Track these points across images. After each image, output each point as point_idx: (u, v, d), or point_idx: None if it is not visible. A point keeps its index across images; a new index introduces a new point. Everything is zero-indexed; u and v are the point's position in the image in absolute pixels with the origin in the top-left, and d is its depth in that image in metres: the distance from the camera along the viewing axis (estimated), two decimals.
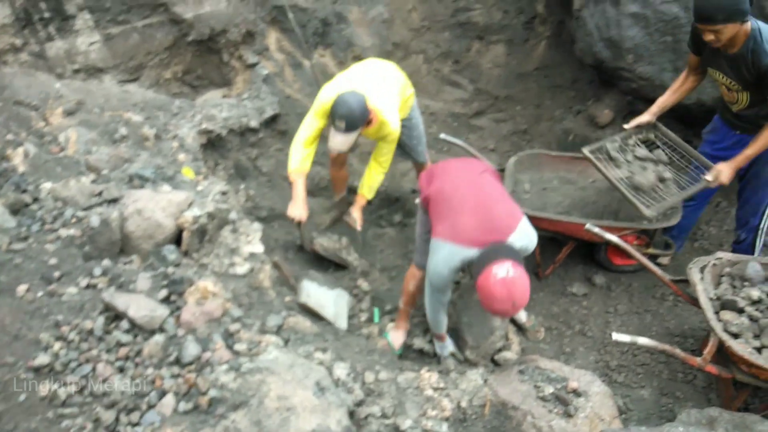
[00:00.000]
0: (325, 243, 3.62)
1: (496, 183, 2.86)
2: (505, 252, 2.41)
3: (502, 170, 3.74)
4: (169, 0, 3.89)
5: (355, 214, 3.56)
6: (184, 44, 4.07)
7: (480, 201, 2.62)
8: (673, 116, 3.91)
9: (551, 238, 3.67)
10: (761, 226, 3.30)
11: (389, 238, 4.06)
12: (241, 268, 2.74)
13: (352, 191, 3.83)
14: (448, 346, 3.18)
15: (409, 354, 3.27)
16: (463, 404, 2.44)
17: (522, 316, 3.45)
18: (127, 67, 3.99)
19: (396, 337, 3.21)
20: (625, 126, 3.35)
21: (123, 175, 2.91)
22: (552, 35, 5.14)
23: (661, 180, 3.22)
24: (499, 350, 3.27)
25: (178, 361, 2.22)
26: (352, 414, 2.26)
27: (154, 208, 2.65)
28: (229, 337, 2.33)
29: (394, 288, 3.67)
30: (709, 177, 2.99)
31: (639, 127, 3.34)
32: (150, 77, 4.09)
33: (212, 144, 3.55)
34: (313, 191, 4.21)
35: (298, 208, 3.34)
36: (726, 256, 2.96)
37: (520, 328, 3.47)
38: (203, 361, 2.21)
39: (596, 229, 3.05)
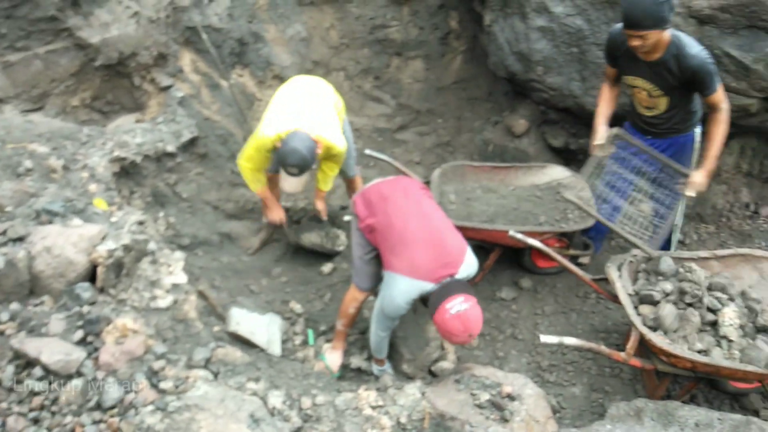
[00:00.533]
0: (312, 238, 3.93)
1: (437, 207, 2.96)
2: (456, 287, 2.57)
3: (428, 182, 3.80)
4: (73, 24, 3.70)
5: (320, 206, 3.82)
6: (92, 69, 3.87)
7: (432, 234, 2.73)
8: (585, 124, 4.12)
9: (479, 246, 3.75)
10: (676, 222, 3.51)
11: (317, 260, 4.02)
12: (164, 301, 2.61)
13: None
14: (387, 369, 3.20)
15: (347, 373, 3.23)
16: (403, 420, 2.42)
17: None
18: (29, 96, 3.75)
19: (333, 359, 3.16)
20: (594, 143, 3.30)
21: (29, 211, 2.72)
22: (467, 50, 5.30)
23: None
24: (436, 361, 3.29)
25: (99, 406, 2.09)
26: None
27: (65, 244, 2.49)
28: (154, 376, 2.22)
29: (327, 308, 3.62)
30: (690, 192, 3.07)
31: (602, 146, 3.33)
32: (56, 105, 3.86)
33: (126, 172, 3.39)
34: (238, 215, 4.11)
35: (277, 213, 3.65)
36: (641, 253, 3.13)
37: None
38: (126, 403, 2.09)
39: (519, 235, 3.15)
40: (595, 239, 3.85)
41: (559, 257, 3.19)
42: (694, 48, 2.89)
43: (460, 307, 2.48)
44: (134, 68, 3.97)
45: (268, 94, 4.83)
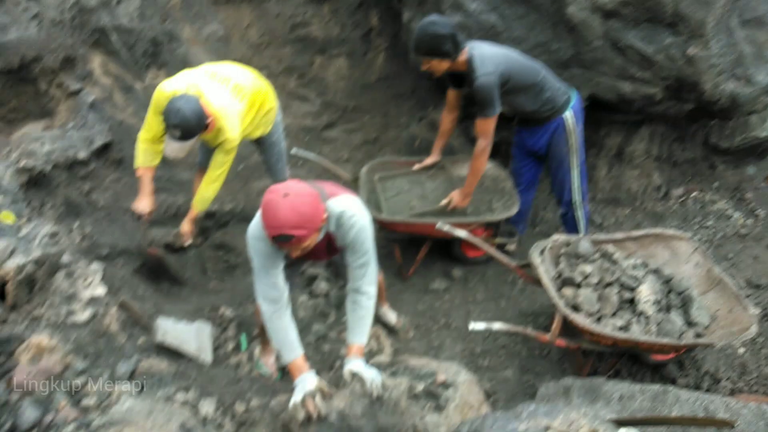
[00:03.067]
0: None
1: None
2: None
3: (356, 179, 3.81)
4: None
5: (184, 227, 3.29)
6: None
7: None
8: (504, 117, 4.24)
9: (410, 239, 3.80)
10: (573, 200, 3.71)
11: (246, 261, 3.93)
12: (82, 315, 2.48)
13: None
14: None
15: (286, 377, 3.18)
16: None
17: (391, 318, 3.52)
18: None
19: (267, 362, 3.10)
20: (415, 167, 3.89)
21: None
22: (389, 47, 5.34)
23: None
24: (373, 355, 3.30)
25: (14, 430, 1.96)
26: None
27: None
28: (75, 394, 2.10)
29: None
30: (444, 201, 3.58)
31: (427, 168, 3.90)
32: None
33: (35, 182, 3.19)
34: (162, 221, 3.95)
35: (142, 202, 3.19)
36: (561, 237, 3.26)
37: (390, 331, 3.53)
38: (45, 424, 1.98)
39: (446, 227, 3.20)
40: (518, 223, 3.98)
41: (486, 246, 3.27)
42: (482, 69, 3.14)
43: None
44: (39, 73, 3.74)
45: None
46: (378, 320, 3.53)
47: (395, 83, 5.33)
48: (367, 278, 2.37)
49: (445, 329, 3.62)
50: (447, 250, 3.99)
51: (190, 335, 2.87)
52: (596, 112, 4.08)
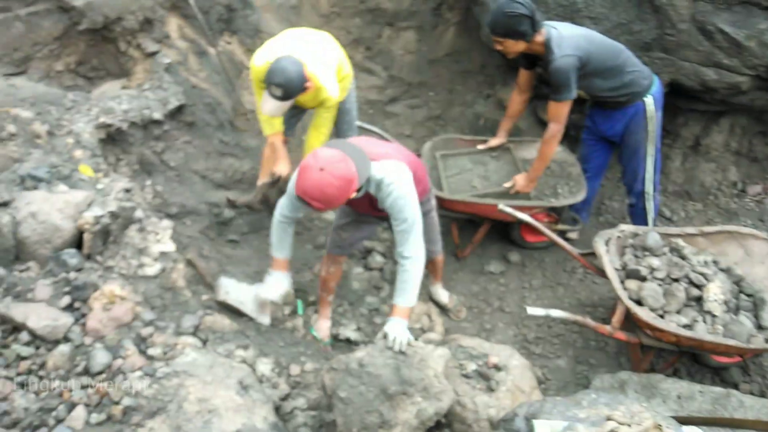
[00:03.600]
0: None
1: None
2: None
3: (419, 155, 3.78)
4: None
5: (280, 167, 3.39)
6: (76, 33, 3.77)
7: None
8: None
9: (468, 219, 3.76)
10: (645, 190, 3.57)
11: (306, 229, 4.00)
12: (152, 269, 2.59)
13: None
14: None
15: (337, 344, 3.24)
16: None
17: (443, 297, 3.52)
18: (11, 59, 3.65)
19: (320, 327, 3.17)
20: (479, 147, 3.81)
21: (13, 177, 2.67)
22: (460, 21, 5.22)
23: None
24: (423, 332, 3.31)
25: (87, 371, 2.09)
26: (278, 409, 2.21)
27: (50, 210, 2.46)
28: (142, 342, 2.21)
29: (316, 279, 3.62)
30: (507, 184, 3.52)
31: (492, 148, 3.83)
32: (39, 70, 3.76)
33: (112, 139, 3.32)
34: (227, 185, 4.06)
35: (284, 164, 3.38)
36: (628, 228, 3.15)
37: (442, 309, 3.53)
38: (114, 369, 2.09)
39: (509, 209, 3.15)
40: (581, 211, 3.87)
41: (548, 232, 3.20)
42: (559, 51, 3.02)
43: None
44: (120, 33, 3.87)
45: None
46: (430, 298, 3.53)
47: (463, 59, 5.23)
48: (408, 244, 2.45)
49: (498, 312, 3.59)
50: (505, 233, 3.92)
51: (249, 296, 2.95)
52: (675, 99, 3.89)
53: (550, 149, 3.31)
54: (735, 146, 4.42)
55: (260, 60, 3.08)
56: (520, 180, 3.47)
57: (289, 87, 2.88)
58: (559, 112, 3.18)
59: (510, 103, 3.68)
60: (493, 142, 3.80)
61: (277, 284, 2.86)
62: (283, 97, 2.92)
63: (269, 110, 3.00)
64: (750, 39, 3.41)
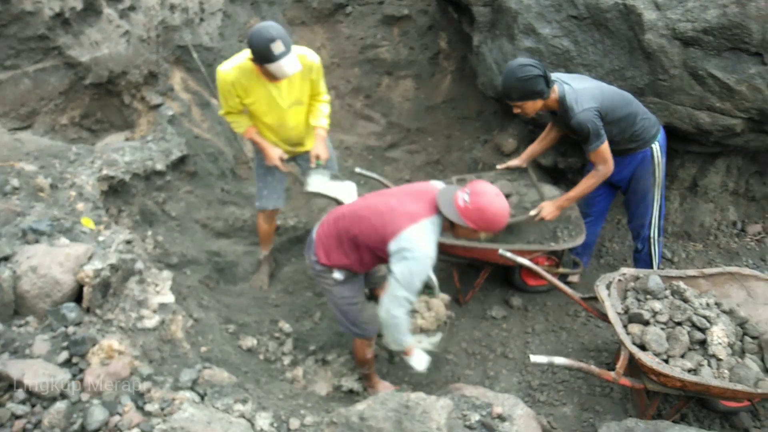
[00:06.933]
0: (317, 184, 3.49)
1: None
2: (450, 189, 2.58)
3: None
4: (63, 43, 3.70)
5: (320, 149, 3.43)
6: (81, 88, 3.87)
7: (401, 191, 2.73)
8: (573, 143, 4.15)
9: (469, 264, 3.75)
10: (651, 236, 3.56)
11: (307, 276, 3.99)
12: (150, 321, 2.58)
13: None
14: (419, 352, 2.82)
15: (337, 395, 3.20)
16: None
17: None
18: (18, 114, 3.74)
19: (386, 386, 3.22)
20: (498, 167, 3.73)
21: (15, 230, 2.69)
22: (456, 69, 5.36)
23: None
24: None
25: (83, 429, 2.05)
26: None
27: (51, 263, 2.46)
28: (139, 398, 2.18)
29: (317, 327, 3.60)
30: (533, 212, 3.39)
31: (509, 169, 3.79)
32: (44, 123, 3.85)
33: (114, 190, 3.37)
34: (228, 233, 4.08)
35: (274, 152, 3.37)
36: (629, 271, 3.14)
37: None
38: (111, 426, 2.05)
39: (509, 254, 3.15)
40: (582, 255, 3.87)
41: (548, 276, 3.19)
42: (579, 106, 3.06)
43: (466, 196, 2.47)
44: (124, 86, 3.98)
45: None
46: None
47: (460, 105, 5.34)
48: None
49: (501, 359, 3.54)
50: (507, 277, 3.92)
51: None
52: (671, 141, 3.93)
53: (593, 185, 3.30)
54: (732, 186, 4.45)
55: (226, 66, 3.14)
56: (547, 207, 3.39)
57: (284, 35, 2.90)
58: (601, 156, 3.18)
59: (544, 135, 3.69)
60: (513, 163, 3.78)
61: None
62: (287, 48, 2.92)
63: (293, 67, 2.96)
64: (740, 83, 3.48)
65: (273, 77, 3.04)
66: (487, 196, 2.45)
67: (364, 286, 3.02)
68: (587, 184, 3.29)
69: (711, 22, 3.39)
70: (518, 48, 4.08)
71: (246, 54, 3.10)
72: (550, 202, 3.41)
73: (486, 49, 4.39)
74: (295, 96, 3.30)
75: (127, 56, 3.91)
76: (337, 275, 2.75)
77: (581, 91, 3.11)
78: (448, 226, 2.59)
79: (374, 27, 5.37)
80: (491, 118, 5.04)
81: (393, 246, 2.46)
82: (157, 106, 4.03)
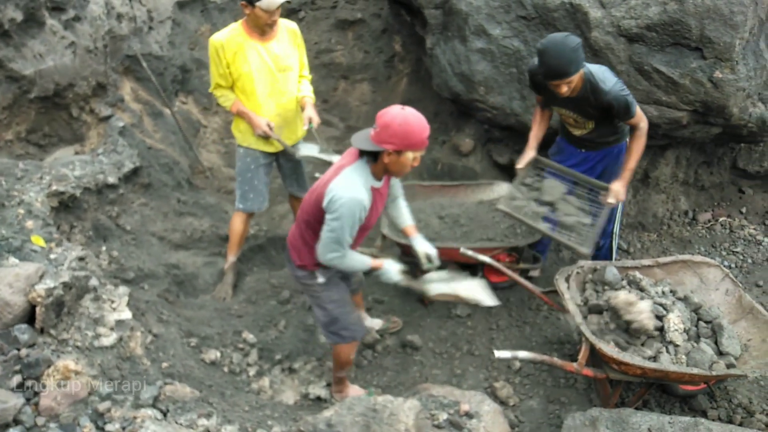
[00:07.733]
0: (309, 150, 3.71)
1: None
2: (366, 130, 2.58)
3: None
4: (3, 56, 3.56)
5: (312, 113, 3.58)
6: (26, 102, 3.74)
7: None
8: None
9: None
10: (614, 230, 3.64)
11: (270, 285, 3.95)
12: (108, 339, 2.50)
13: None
14: (391, 268, 2.73)
15: (305, 404, 3.17)
16: None
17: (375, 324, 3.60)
18: None
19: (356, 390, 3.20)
20: (518, 166, 3.44)
21: None
22: (412, 72, 5.39)
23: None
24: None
25: None
26: None
27: (0, 285, 2.37)
28: (99, 418, 2.12)
29: (282, 336, 3.56)
30: (611, 200, 3.19)
31: (522, 170, 3.48)
32: None
33: (65, 206, 3.26)
34: (186, 245, 4.00)
35: (262, 121, 3.45)
36: (587, 263, 3.21)
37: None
38: None
39: (470, 252, 3.18)
40: (541, 249, 3.93)
41: (510, 272, 3.24)
42: (607, 83, 3.03)
43: (374, 125, 2.46)
44: (72, 99, 3.86)
45: (213, 120, 4.77)
46: None
47: (418, 107, 5.25)
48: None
49: (468, 356, 3.57)
50: (470, 274, 3.95)
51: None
52: None
53: (643, 146, 3.19)
54: (682, 177, 4.61)
55: (217, 34, 3.32)
56: (620, 188, 3.20)
57: None
58: (639, 116, 3.13)
59: (535, 116, 3.54)
60: (529, 155, 3.45)
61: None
62: None
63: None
64: (684, 77, 3.61)
65: (265, 24, 3.23)
66: (390, 111, 2.44)
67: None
68: (639, 146, 3.16)
69: (653, 18, 3.51)
70: (470, 49, 4.14)
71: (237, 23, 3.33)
72: (618, 182, 3.22)
73: (439, 51, 4.44)
74: (285, 61, 3.47)
75: (74, 68, 3.80)
76: (320, 278, 2.76)
77: (597, 70, 3.07)
78: (380, 170, 2.57)
79: (328, 31, 5.37)
80: (448, 119, 5.09)
81: (325, 203, 2.47)
82: (107, 118, 3.92)
